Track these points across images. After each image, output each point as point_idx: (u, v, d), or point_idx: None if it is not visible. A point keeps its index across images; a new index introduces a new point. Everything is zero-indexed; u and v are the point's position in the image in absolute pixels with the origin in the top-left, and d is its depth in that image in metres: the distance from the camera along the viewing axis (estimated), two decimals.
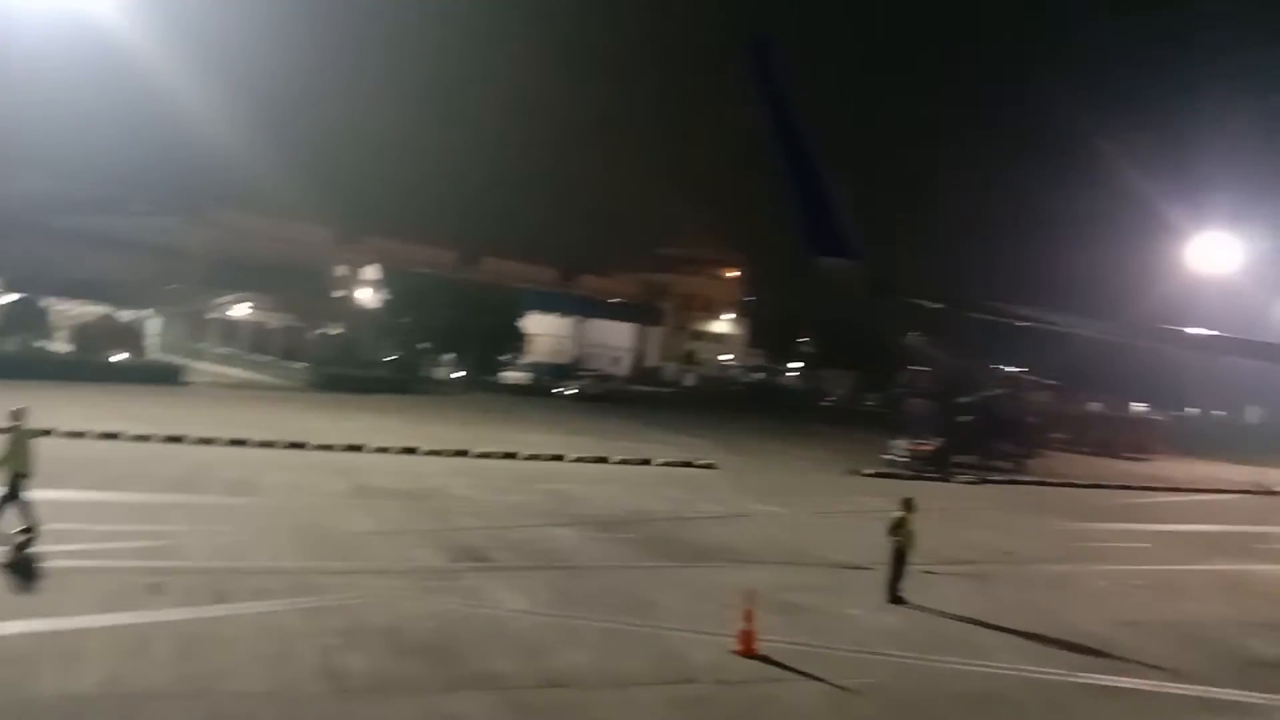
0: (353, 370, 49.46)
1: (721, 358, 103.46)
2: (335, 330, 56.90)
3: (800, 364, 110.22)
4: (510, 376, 63.07)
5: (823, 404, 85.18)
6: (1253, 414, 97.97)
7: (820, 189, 9.40)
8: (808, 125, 9.31)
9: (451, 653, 11.00)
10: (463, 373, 60.41)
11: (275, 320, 54.50)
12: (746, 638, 11.85)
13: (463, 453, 28.18)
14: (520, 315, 66.21)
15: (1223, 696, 12.28)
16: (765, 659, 11.68)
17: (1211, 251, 42.09)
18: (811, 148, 9.30)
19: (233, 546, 14.96)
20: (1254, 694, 12.48)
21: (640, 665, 11.27)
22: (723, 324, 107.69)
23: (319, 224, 69.84)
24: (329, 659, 10.41)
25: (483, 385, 58.11)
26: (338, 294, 67.93)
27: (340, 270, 70.22)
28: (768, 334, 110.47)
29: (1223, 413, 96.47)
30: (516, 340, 65.40)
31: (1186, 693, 12.29)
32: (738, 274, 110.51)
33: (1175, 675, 12.98)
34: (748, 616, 11.95)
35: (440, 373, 60.15)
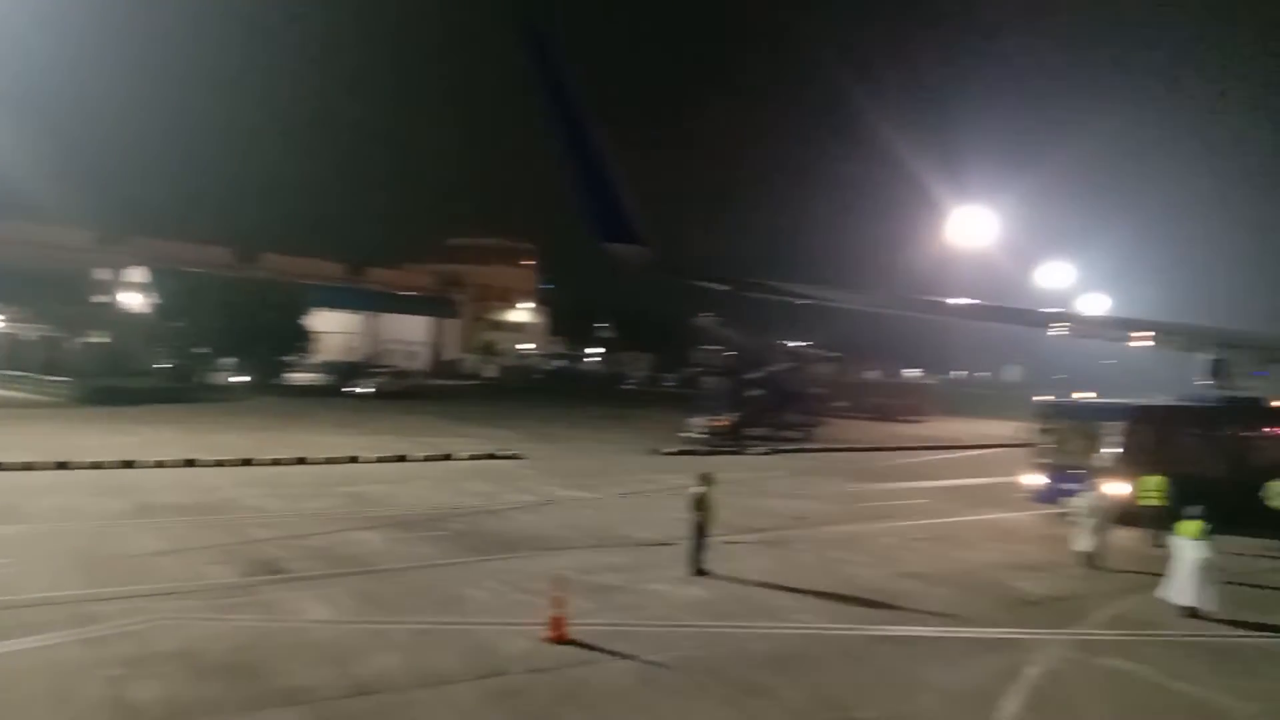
0: (122, 381, 46.06)
1: (521, 347, 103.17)
2: (101, 339, 52.74)
3: (600, 349, 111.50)
4: (298, 378, 60.48)
5: (623, 387, 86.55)
6: (1011, 373, 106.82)
7: (603, 175, 9.52)
8: (588, 112, 9.42)
9: (252, 671, 10.50)
10: (246, 376, 57.40)
11: (32, 331, 49.87)
12: (557, 624, 11.93)
13: (248, 461, 26.84)
14: (305, 313, 63.56)
15: (999, 636, 13.38)
16: (576, 643, 11.80)
17: (969, 225, 45.69)
18: (593, 134, 9.41)
19: (1, 579, 13.67)
20: (1025, 630, 13.68)
21: (452, 662, 11.14)
22: (521, 313, 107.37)
23: (77, 226, 64.47)
24: (117, 690, 9.72)
25: (269, 388, 55.46)
26: (101, 300, 63.02)
27: (102, 274, 65.17)
28: (566, 321, 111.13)
29: (986, 374, 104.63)
30: (303, 339, 62.78)
31: (968, 635, 13.33)
32: (533, 262, 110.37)
33: (957, 620, 14.07)
34: (557, 602, 12.04)
35: (220, 378, 56.93)
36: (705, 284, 11.14)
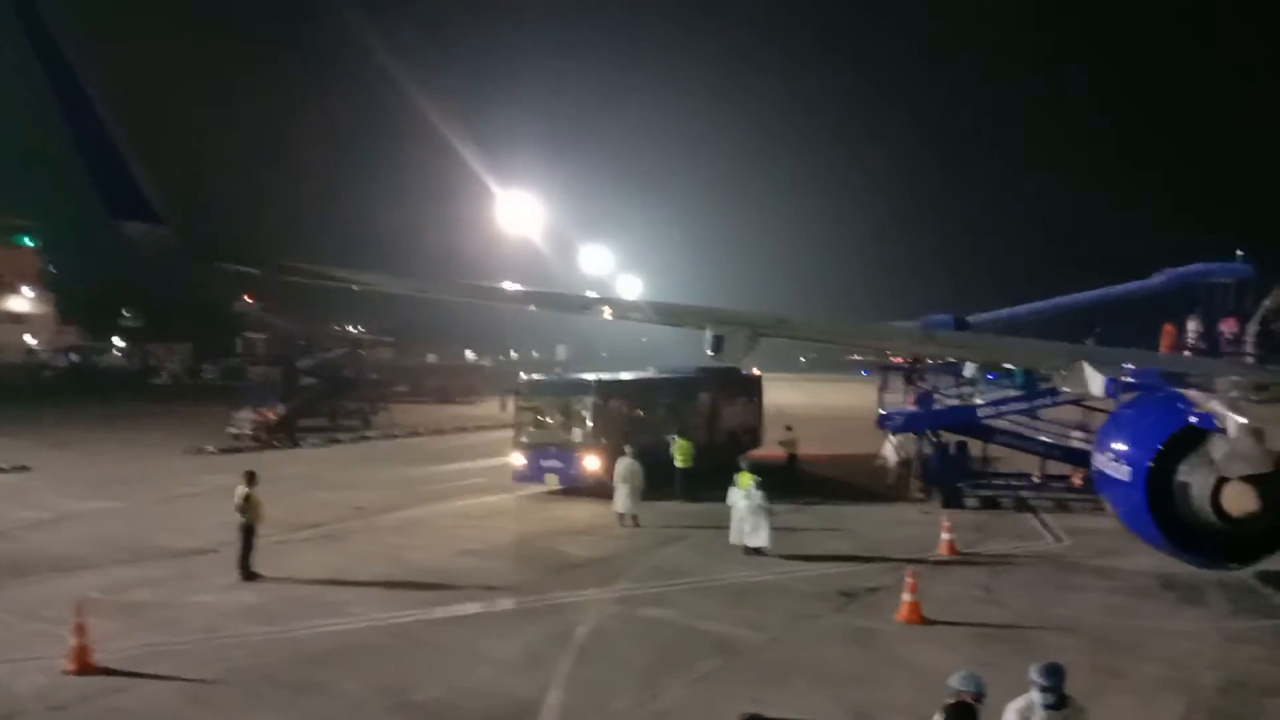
0: None
1: (26, 340, 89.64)
2: None
3: (125, 340, 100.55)
4: None
5: (155, 382, 78.94)
6: (562, 352, 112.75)
7: (112, 148, 8.50)
8: (89, 76, 8.35)
9: None
10: None
11: None
12: (80, 653, 10.60)
13: None
14: None
15: (551, 601, 14.11)
16: (106, 670, 10.59)
17: (516, 209, 47.44)
18: (97, 102, 8.37)
19: None
20: (574, 592, 14.58)
21: None
22: (21, 301, 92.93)
23: None
24: None
25: None
26: None
27: None
28: (81, 309, 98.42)
29: (537, 354, 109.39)
30: None
31: (521, 605, 13.91)
32: (34, 243, 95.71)
33: (513, 591, 14.64)
34: (78, 629, 10.69)
35: None
36: (234, 267, 10.36)
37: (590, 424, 23.59)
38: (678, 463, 23.29)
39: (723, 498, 17.82)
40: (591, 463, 22.86)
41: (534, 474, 23.98)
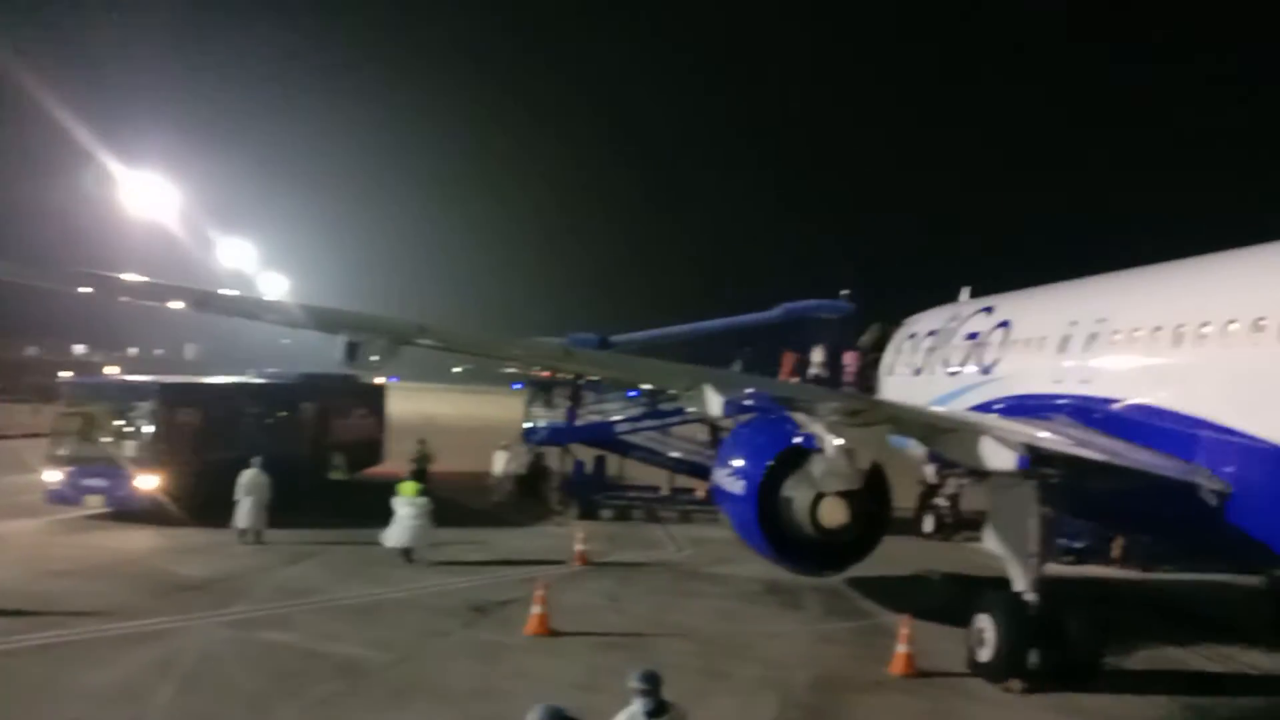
0: None
1: None
2: None
3: None
4: None
5: None
6: (190, 351, 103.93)
7: None
8: None
9: None
10: None
11: None
12: None
13: None
14: None
15: (156, 626, 12.87)
16: None
17: (147, 194, 43.06)
18: None
19: None
20: (184, 616, 13.41)
21: None
22: None
23: None
24: None
25: None
26: None
27: None
28: None
29: (162, 351, 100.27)
30: None
31: (122, 631, 12.59)
32: None
33: (111, 616, 13.20)
34: None
35: None
36: None
37: (148, 436, 20.34)
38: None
39: (337, 514, 18.33)
40: (147, 482, 19.92)
41: (73, 494, 20.24)
